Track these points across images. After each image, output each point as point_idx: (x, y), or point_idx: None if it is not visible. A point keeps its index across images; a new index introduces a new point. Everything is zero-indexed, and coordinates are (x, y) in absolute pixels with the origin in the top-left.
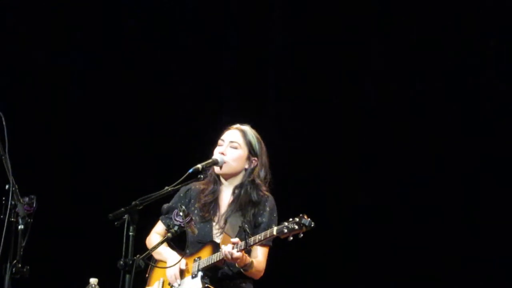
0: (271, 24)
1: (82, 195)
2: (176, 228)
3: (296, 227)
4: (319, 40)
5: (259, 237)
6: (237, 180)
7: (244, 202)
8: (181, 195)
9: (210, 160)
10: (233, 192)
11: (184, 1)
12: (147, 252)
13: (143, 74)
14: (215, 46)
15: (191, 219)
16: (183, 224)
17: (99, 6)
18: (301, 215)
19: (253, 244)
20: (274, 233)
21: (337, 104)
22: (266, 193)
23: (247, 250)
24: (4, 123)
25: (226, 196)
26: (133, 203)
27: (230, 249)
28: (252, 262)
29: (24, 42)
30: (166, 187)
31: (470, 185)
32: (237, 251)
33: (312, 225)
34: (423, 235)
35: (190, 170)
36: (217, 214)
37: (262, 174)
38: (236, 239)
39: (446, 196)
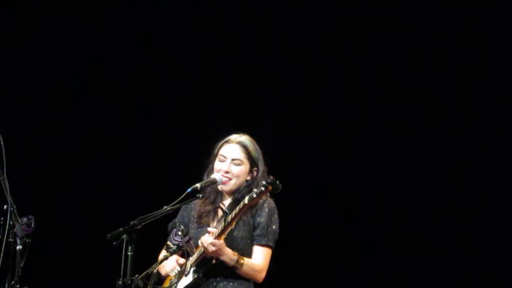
0: (267, 37)
1: (80, 215)
2: (174, 247)
3: (263, 188)
4: (315, 53)
5: (235, 211)
6: (238, 190)
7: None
8: (183, 208)
9: (209, 180)
10: (233, 200)
11: (183, 19)
12: (145, 272)
13: (138, 89)
14: (210, 61)
15: (190, 238)
16: (182, 243)
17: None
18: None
19: (232, 221)
20: (246, 201)
21: (335, 116)
22: (266, 196)
23: (247, 251)
24: (2, 143)
25: (225, 203)
26: (132, 222)
27: (206, 237)
28: (239, 257)
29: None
30: (165, 207)
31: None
32: (214, 238)
33: (278, 183)
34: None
35: (189, 190)
36: (215, 219)
37: (261, 180)
38: (213, 228)
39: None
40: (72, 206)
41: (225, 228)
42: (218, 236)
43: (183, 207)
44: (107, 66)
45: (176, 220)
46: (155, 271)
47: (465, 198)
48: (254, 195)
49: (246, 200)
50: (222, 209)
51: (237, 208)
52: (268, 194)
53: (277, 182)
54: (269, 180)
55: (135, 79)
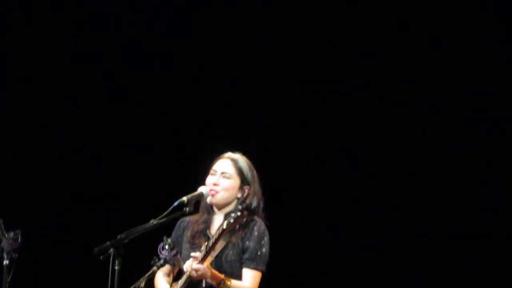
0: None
1: (67, 229)
2: (161, 261)
3: (238, 213)
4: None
5: (215, 236)
6: (229, 208)
7: None
8: (176, 227)
9: (196, 193)
10: (224, 217)
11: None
12: (132, 287)
13: (128, 103)
14: (201, 75)
15: (177, 252)
16: (169, 258)
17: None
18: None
19: (213, 246)
20: (224, 226)
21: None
22: (257, 218)
23: (237, 274)
24: None
25: (217, 223)
26: (119, 236)
27: (189, 262)
28: (226, 279)
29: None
30: (152, 220)
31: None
32: (197, 263)
33: (252, 207)
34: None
35: (175, 203)
36: (207, 240)
37: (254, 202)
38: (196, 253)
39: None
40: (59, 221)
41: (207, 253)
42: (201, 261)
43: (177, 226)
44: (89, 80)
45: (166, 236)
46: (142, 285)
47: (465, 197)
48: (231, 220)
49: (224, 225)
50: (205, 234)
51: (217, 233)
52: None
53: (252, 207)
54: (244, 205)
55: (112, 108)
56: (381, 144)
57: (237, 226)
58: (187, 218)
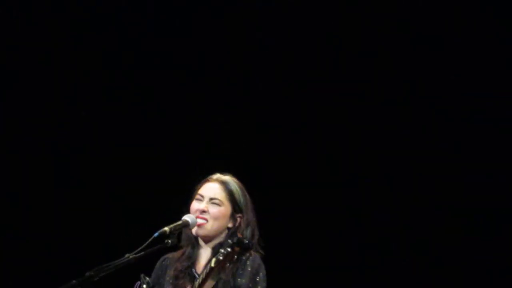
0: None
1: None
2: None
3: (229, 248)
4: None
5: (202, 276)
6: (218, 240)
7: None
8: (157, 266)
9: (179, 222)
10: (212, 252)
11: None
12: None
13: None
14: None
15: None
16: None
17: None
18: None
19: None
20: (212, 264)
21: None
22: (251, 252)
23: None
24: None
25: (204, 259)
26: (87, 274)
27: None
28: None
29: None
30: (127, 255)
31: None
32: None
33: (245, 242)
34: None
35: (156, 234)
36: (193, 280)
37: (248, 232)
38: None
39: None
40: (18, 255)
41: None
42: None
43: (158, 265)
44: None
45: (144, 274)
46: None
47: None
48: (221, 257)
49: (212, 262)
50: (190, 273)
51: (204, 272)
52: (255, 251)
53: (245, 241)
54: (235, 239)
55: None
56: (381, 144)
57: (228, 264)
58: (170, 255)
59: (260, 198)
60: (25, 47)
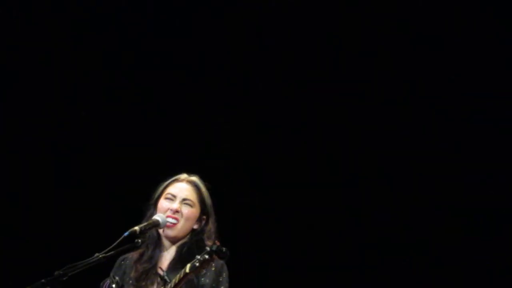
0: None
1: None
2: None
3: (207, 256)
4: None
5: (174, 281)
6: (182, 241)
7: (186, 260)
8: (117, 266)
9: (150, 221)
10: (176, 253)
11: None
12: None
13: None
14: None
15: None
16: None
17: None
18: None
19: None
20: (187, 270)
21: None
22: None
23: None
24: None
25: (167, 260)
26: (56, 273)
27: None
28: None
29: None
30: (96, 254)
31: None
32: None
33: (224, 250)
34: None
35: (126, 233)
36: (155, 282)
37: (212, 233)
38: None
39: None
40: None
41: None
42: None
43: (117, 265)
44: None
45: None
46: None
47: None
48: (197, 264)
49: (187, 268)
50: (160, 275)
51: (177, 277)
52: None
53: (224, 249)
54: (214, 248)
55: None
56: (381, 144)
57: (204, 271)
58: (129, 256)
59: (260, 198)
60: (25, 47)
